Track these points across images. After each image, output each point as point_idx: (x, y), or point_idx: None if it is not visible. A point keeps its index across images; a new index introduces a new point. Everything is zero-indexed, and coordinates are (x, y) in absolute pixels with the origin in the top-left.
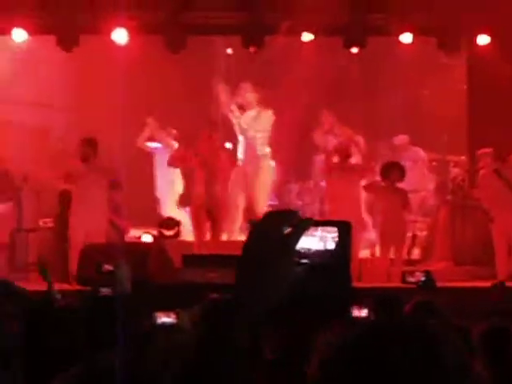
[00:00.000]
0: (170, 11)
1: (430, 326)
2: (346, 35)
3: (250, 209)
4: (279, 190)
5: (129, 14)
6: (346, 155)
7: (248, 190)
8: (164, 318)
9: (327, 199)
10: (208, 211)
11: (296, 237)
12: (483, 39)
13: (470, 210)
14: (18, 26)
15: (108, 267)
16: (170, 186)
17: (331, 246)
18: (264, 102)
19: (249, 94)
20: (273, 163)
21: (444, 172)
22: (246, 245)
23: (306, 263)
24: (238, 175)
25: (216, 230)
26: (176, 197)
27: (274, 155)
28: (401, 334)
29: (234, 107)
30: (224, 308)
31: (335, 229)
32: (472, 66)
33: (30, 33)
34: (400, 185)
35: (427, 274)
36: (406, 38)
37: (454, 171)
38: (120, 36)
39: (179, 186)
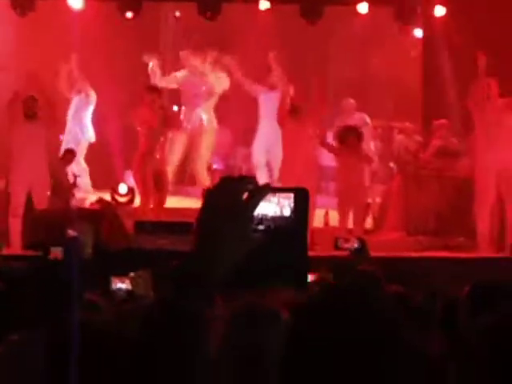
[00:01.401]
0: None
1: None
2: (302, 4)
3: (192, 170)
4: (225, 153)
5: None
6: (296, 113)
7: (191, 152)
8: (119, 284)
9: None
10: (154, 176)
11: (253, 203)
12: (439, 10)
13: (424, 180)
14: None
15: (71, 233)
16: (82, 134)
17: (288, 212)
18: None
19: (192, 58)
20: (216, 126)
21: (388, 138)
22: (202, 211)
23: (262, 229)
24: (181, 137)
25: (162, 195)
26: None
27: (223, 119)
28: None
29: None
30: (180, 274)
31: (292, 195)
32: (428, 36)
33: None
34: None
35: (361, 241)
36: (363, 7)
37: (399, 138)
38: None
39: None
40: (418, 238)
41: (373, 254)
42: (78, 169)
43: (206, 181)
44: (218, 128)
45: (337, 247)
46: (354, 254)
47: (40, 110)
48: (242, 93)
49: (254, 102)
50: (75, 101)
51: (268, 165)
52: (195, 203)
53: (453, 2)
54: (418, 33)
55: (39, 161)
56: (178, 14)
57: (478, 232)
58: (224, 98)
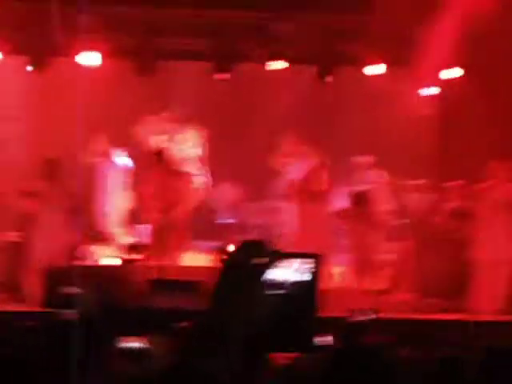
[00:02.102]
0: (142, 36)
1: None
2: (319, 65)
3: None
4: (236, 208)
5: (100, 37)
6: (318, 182)
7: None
8: (131, 343)
9: (295, 224)
10: (169, 232)
11: (265, 268)
12: (456, 72)
13: (439, 241)
14: None
15: (72, 290)
16: (116, 202)
17: (301, 277)
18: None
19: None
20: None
21: (402, 196)
22: (221, 273)
23: (274, 294)
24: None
25: (178, 252)
26: (121, 214)
27: (233, 175)
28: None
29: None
30: (196, 334)
31: (306, 261)
32: (444, 96)
33: (4, 53)
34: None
35: (376, 312)
36: (378, 68)
37: (413, 196)
38: (91, 59)
39: (124, 203)
40: (432, 300)
41: (386, 315)
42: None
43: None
44: (227, 183)
45: (351, 319)
46: (368, 325)
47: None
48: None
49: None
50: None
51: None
52: (203, 259)
53: (470, 64)
54: (432, 91)
55: (61, 222)
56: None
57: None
58: (232, 153)
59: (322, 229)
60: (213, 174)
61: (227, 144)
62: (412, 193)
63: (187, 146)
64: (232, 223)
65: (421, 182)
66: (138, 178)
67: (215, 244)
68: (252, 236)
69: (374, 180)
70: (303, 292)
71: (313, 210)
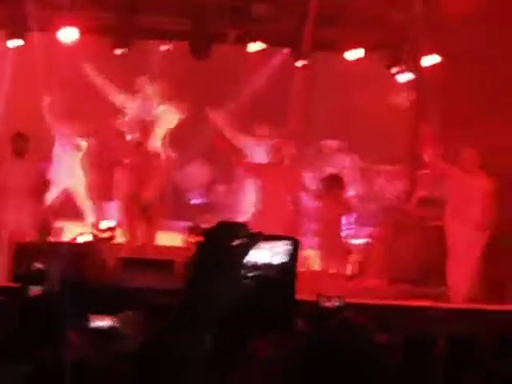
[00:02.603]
0: (120, 13)
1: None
2: (294, 48)
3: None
4: (207, 189)
5: (79, 13)
6: (278, 159)
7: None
8: (99, 322)
9: (260, 205)
10: (141, 210)
11: (244, 250)
12: (433, 58)
13: (407, 228)
14: None
15: (39, 265)
16: (72, 174)
17: (278, 260)
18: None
19: (148, 87)
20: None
21: (370, 181)
22: (197, 254)
23: (252, 276)
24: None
25: (152, 230)
26: (83, 187)
27: (203, 155)
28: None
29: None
30: (169, 313)
31: (283, 243)
32: (421, 83)
33: None
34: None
35: (342, 300)
36: (355, 53)
37: (380, 181)
38: (69, 34)
39: (84, 176)
40: (400, 286)
41: (355, 300)
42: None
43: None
44: (198, 164)
45: (318, 305)
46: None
47: (28, 146)
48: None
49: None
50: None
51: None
52: (177, 239)
53: (448, 50)
54: (405, 77)
55: (26, 198)
56: (165, 47)
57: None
58: (202, 134)
59: (287, 210)
60: (183, 154)
61: (199, 123)
62: (383, 178)
63: (159, 122)
64: (203, 203)
65: (393, 167)
66: (109, 155)
67: (186, 224)
68: (221, 216)
69: (344, 164)
70: (281, 275)
71: (277, 189)
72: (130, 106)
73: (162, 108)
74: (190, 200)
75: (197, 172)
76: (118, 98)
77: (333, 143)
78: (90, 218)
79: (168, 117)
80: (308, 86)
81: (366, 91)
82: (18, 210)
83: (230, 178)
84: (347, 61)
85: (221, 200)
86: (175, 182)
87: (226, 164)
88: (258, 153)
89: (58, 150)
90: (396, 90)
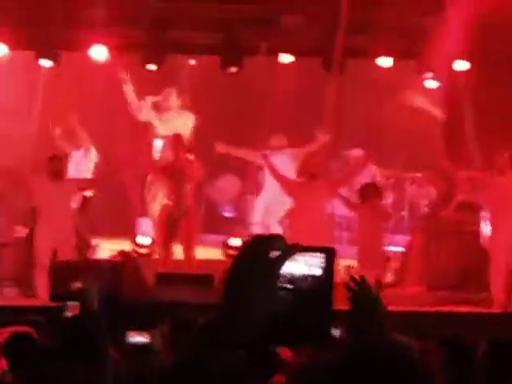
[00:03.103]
0: (149, 29)
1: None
2: (324, 57)
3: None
4: (236, 201)
5: (108, 31)
6: (311, 175)
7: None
8: (137, 338)
9: (292, 216)
10: (176, 224)
11: (281, 262)
12: (461, 64)
13: (445, 234)
14: None
15: (76, 284)
16: None
17: (315, 271)
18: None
19: (172, 98)
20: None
21: (400, 189)
22: (232, 268)
23: (290, 288)
24: None
25: (189, 244)
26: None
27: (233, 168)
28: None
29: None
30: (208, 330)
31: (319, 255)
32: (452, 89)
33: (11, 48)
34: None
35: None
36: (384, 61)
37: (411, 188)
38: (99, 53)
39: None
40: (439, 292)
41: (393, 308)
42: None
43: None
44: (228, 177)
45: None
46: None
47: (65, 167)
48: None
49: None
50: (75, 156)
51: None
52: (213, 253)
53: (476, 57)
54: (433, 84)
55: (65, 219)
56: (193, 62)
57: (492, 291)
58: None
59: (321, 220)
60: (215, 167)
61: (229, 136)
62: (415, 185)
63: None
64: (235, 216)
65: (424, 174)
66: (144, 170)
67: (220, 237)
68: (253, 229)
69: (372, 172)
70: (318, 286)
71: (311, 200)
72: (160, 120)
73: (189, 121)
74: (222, 213)
75: (228, 185)
76: (148, 114)
77: (360, 152)
78: (127, 234)
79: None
80: (339, 95)
81: (396, 98)
82: (56, 229)
83: (260, 191)
84: (376, 69)
85: (250, 213)
86: (207, 196)
87: (256, 177)
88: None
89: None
90: (425, 97)
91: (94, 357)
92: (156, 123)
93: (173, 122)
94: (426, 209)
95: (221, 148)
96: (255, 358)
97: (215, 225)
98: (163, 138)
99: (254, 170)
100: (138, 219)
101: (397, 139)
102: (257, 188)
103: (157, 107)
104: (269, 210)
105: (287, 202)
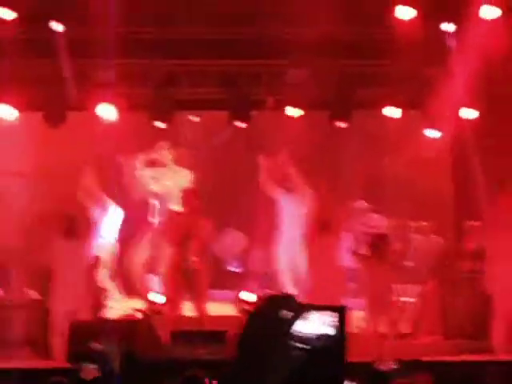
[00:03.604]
0: (156, 87)
1: None
2: (333, 109)
3: None
4: (242, 256)
5: (115, 90)
6: (324, 225)
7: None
8: None
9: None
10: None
11: (292, 321)
12: (471, 113)
13: (460, 283)
14: (5, 102)
15: (96, 345)
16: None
17: (328, 330)
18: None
19: (164, 152)
20: None
21: (404, 238)
22: (246, 326)
23: (302, 348)
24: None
25: (200, 300)
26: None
27: (235, 222)
28: None
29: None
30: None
31: (331, 313)
32: (456, 138)
33: (19, 109)
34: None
35: (399, 362)
36: (390, 111)
37: (416, 237)
38: (107, 112)
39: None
40: (455, 341)
41: (409, 357)
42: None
43: None
44: (233, 232)
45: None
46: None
47: (77, 226)
48: (254, 196)
49: (268, 205)
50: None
51: (291, 270)
52: (222, 308)
53: (485, 106)
54: (436, 134)
55: (80, 278)
56: (196, 119)
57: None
58: (235, 201)
59: (335, 273)
60: (219, 221)
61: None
62: (425, 235)
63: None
64: (241, 271)
65: (422, 223)
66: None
67: (227, 293)
68: (259, 284)
69: (377, 223)
70: (330, 344)
71: (325, 254)
72: (154, 177)
73: (185, 178)
74: (228, 268)
75: (233, 240)
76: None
77: (364, 203)
78: (139, 292)
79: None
80: (344, 147)
81: (401, 149)
82: (70, 289)
83: (266, 245)
84: (381, 119)
85: (257, 268)
86: (211, 251)
87: (261, 231)
88: (292, 204)
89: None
90: (431, 147)
91: None
92: (149, 181)
93: (167, 178)
94: (432, 257)
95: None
96: None
97: (222, 280)
98: (155, 195)
99: (261, 222)
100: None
101: (401, 189)
102: (265, 240)
103: (151, 163)
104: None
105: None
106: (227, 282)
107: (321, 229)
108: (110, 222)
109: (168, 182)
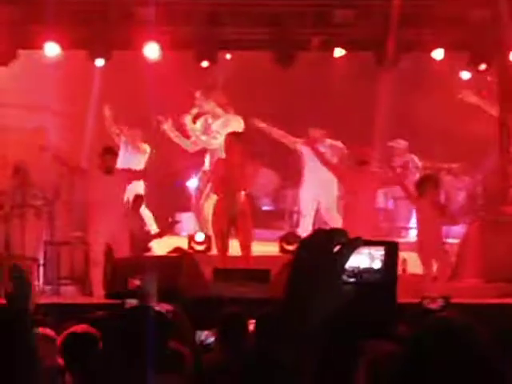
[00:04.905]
0: (201, 26)
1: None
2: (376, 51)
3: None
4: (275, 195)
5: (160, 29)
6: (362, 161)
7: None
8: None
9: (345, 204)
10: (232, 220)
11: (345, 256)
12: None
13: (502, 226)
14: (51, 39)
15: (135, 282)
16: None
17: (379, 265)
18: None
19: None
20: None
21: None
22: (295, 262)
23: (353, 282)
24: None
25: (245, 240)
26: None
27: (269, 161)
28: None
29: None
30: (273, 323)
31: (383, 248)
32: (502, 81)
33: (63, 47)
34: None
35: (446, 299)
36: (438, 53)
37: (447, 179)
38: (151, 51)
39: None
40: (496, 284)
41: (452, 300)
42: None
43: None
44: (265, 170)
45: (423, 307)
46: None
47: (116, 161)
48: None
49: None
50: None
51: (317, 212)
52: (269, 247)
53: None
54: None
55: (118, 212)
56: (228, 56)
57: None
58: (268, 141)
59: (373, 208)
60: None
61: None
62: (453, 176)
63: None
64: (274, 209)
65: (453, 165)
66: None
67: (264, 232)
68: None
69: (413, 163)
70: (381, 279)
71: (364, 187)
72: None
73: (230, 120)
74: (260, 207)
75: (265, 179)
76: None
77: (402, 142)
78: (184, 230)
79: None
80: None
81: (445, 92)
82: (111, 224)
83: (298, 184)
84: (427, 62)
85: (290, 206)
86: None
87: (294, 170)
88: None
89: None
90: (472, 89)
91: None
92: (203, 138)
93: (219, 127)
94: (464, 199)
95: (260, 124)
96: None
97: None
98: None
99: (292, 163)
100: (183, 215)
101: (439, 132)
102: (295, 180)
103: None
104: (316, 200)
105: (333, 191)
106: (258, 220)
107: (359, 166)
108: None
109: (221, 130)
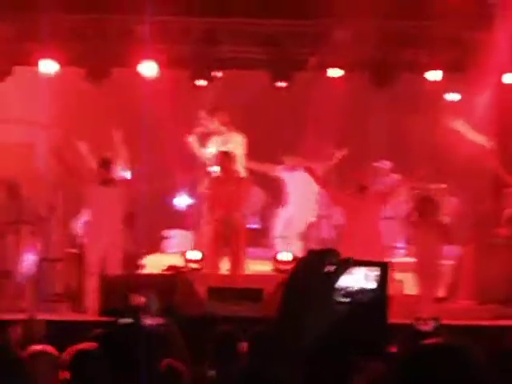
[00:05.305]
0: (197, 44)
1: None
2: (374, 71)
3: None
4: (261, 213)
5: (157, 47)
6: (362, 186)
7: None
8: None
9: (345, 228)
10: (227, 239)
11: (337, 276)
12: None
13: (496, 248)
14: (46, 57)
15: (140, 298)
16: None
17: (371, 285)
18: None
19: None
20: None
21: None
22: (290, 281)
23: (346, 301)
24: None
25: (238, 259)
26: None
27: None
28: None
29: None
30: (264, 342)
31: (374, 268)
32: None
33: (60, 64)
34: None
35: (438, 321)
36: (433, 75)
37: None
38: (148, 69)
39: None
40: (490, 306)
41: (444, 322)
42: None
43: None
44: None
45: (414, 328)
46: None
47: (114, 173)
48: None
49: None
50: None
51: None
52: (262, 266)
53: None
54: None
55: (114, 226)
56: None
57: None
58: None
59: (375, 232)
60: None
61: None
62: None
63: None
64: (259, 228)
65: (442, 186)
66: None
67: (257, 251)
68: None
69: (397, 184)
70: (373, 299)
71: (364, 212)
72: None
73: (239, 139)
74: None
75: (253, 197)
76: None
77: (386, 163)
78: (177, 248)
79: (237, 145)
80: (376, 109)
81: (433, 112)
82: (106, 237)
83: (284, 202)
84: (421, 83)
85: (275, 224)
86: None
87: (278, 188)
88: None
89: None
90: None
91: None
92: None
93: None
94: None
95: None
96: (315, 369)
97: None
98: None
99: (280, 183)
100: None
101: (421, 151)
102: (282, 200)
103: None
104: (290, 223)
105: (309, 216)
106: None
107: (359, 191)
108: None
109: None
